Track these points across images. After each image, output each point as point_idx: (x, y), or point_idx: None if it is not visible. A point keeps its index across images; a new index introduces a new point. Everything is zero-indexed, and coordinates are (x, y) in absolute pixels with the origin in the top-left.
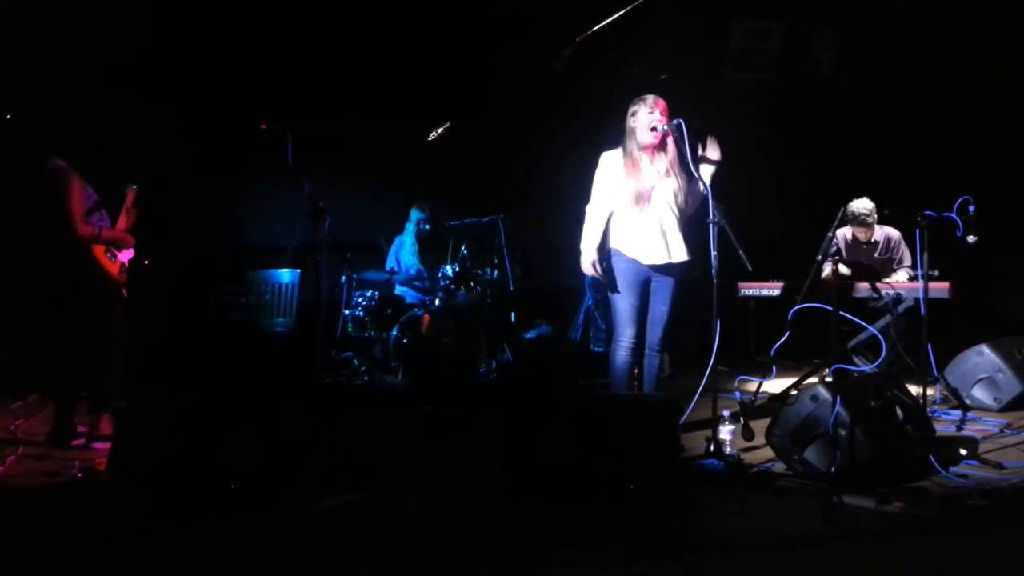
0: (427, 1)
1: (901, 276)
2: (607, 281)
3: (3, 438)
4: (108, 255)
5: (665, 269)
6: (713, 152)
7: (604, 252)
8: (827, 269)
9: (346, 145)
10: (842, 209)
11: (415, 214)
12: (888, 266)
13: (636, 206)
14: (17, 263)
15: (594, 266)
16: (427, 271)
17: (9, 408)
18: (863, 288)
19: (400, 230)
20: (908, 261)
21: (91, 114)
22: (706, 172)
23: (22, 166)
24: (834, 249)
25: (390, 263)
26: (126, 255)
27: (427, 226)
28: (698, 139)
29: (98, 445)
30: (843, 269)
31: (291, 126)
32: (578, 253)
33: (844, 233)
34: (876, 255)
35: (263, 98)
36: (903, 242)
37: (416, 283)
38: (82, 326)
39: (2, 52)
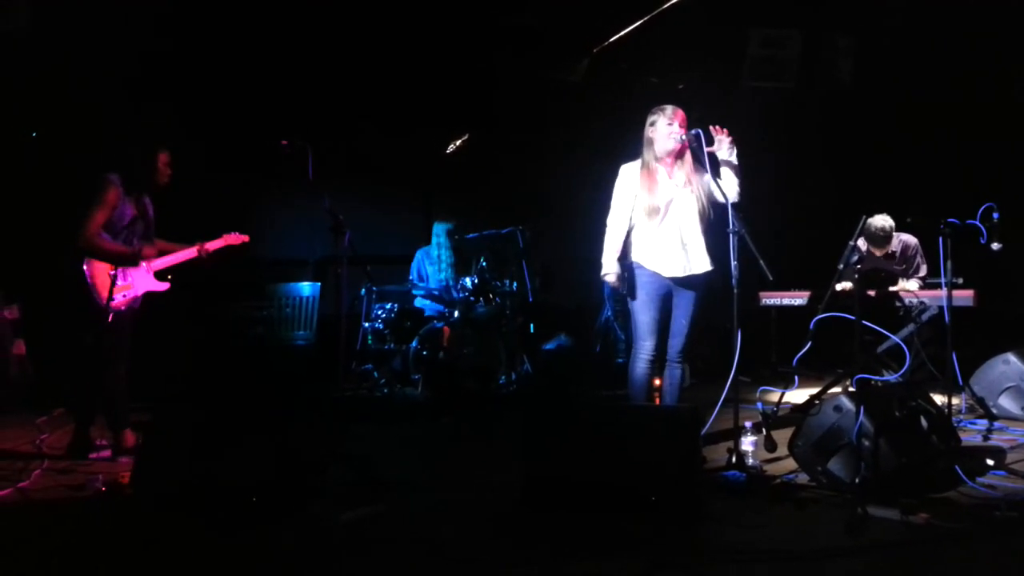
0: (443, 14)
1: (911, 285)
2: (628, 289)
3: (29, 452)
4: (115, 273)
5: (686, 281)
6: (723, 150)
7: (626, 263)
8: (847, 281)
9: (365, 159)
10: (863, 217)
11: (439, 228)
12: (904, 275)
13: (653, 219)
14: (42, 279)
15: (618, 278)
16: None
17: (34, 422)
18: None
19: (419, 242)
20: (923, 271)
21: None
22: (726, 176)
23: (53, 183)
24: (856, 258)
25: (413, 275)
26: (160, 286)
27: (454, 237)
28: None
29: (124, 460)
30: None
31: (311, 141)
32: (599, 266)
33: (861, 242)
34: (892, 264)
35: (283, 114)
36: (920, 251)
37: (439, 296)
38: (78, 341)
39: (27, 68)
